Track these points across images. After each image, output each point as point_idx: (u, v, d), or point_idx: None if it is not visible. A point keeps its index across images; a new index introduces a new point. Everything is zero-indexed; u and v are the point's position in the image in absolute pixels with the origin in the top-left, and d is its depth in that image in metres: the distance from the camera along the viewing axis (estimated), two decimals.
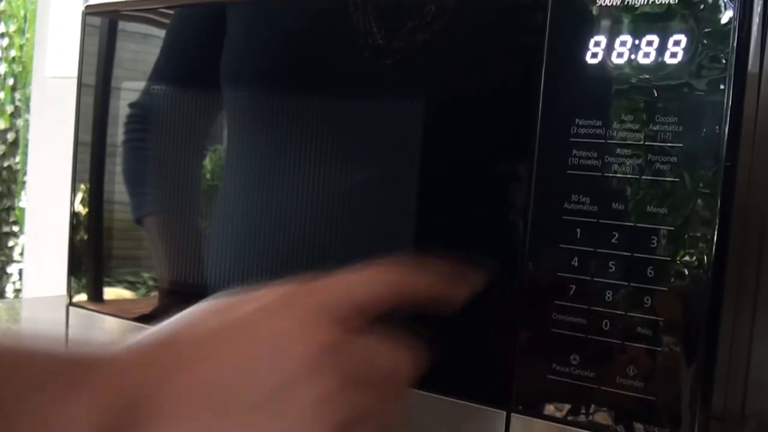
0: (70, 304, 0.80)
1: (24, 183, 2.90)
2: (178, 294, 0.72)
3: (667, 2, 0.47)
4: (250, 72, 0.69)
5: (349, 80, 0.62)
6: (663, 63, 0.47)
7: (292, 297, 0.41)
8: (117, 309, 0.77)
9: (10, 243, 3.10)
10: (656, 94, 0.47)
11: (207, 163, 0.72)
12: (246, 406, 0.38)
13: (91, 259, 0.80)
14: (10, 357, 0.37)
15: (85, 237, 0.80)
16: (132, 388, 0.37)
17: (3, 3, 2.82)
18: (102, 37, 0.79)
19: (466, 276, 0.46)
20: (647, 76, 0.47)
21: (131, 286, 0.78)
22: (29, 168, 1.50)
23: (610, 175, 0.48)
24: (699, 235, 0.45)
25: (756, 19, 0.46)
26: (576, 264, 0.49)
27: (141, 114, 0.76)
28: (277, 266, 0.65)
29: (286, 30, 0.67)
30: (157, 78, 0.74)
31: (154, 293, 0.75)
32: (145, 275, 0.77)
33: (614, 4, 0.48)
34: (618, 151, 0.48)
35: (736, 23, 0.45)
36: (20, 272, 2.89)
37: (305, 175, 0.63)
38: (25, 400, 0.35)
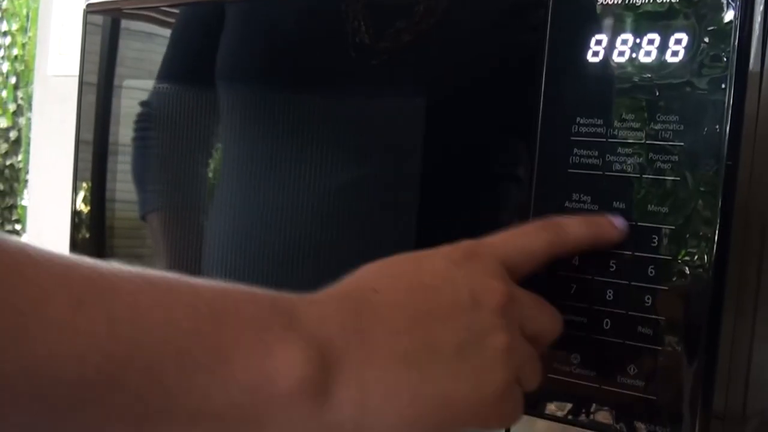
0: None
1: (26, 181, 2.91)
2: None
3: (668, 1, 0.47)
4: (245, 70, 0.69)
5: (347, 78, 0.62)
6: (664, 62, 0.46)
7: (472, 253, 0.43)
8: None
9: None
10: (657, 93, 0.47)
11: (211, 160, 0.72)
12: (441, 356, 0.38)
13: (94, 258, 0.80)
14: (224, 299, 0.36)
15: (87, 236, 0.80)
16: (330, 340, 0.37)
17: (6, 2, 2.82)
18: (103, 36, 0.80)
19: (609, 221, 0.47)
20: (648, 75, 0.47)
21: None
22: (31, 166, 1.50)
23: (611, 173, 0.48)
24: (700, 234, 0.45)
25: (757, 18, 0.46)
26: (577, 263, 0.49)
27: (149, 112, 0.77)
28: (276, 262, 0.65)
29: (280, 28, 0.67)
30: (162, 76, 0.74)
31: None
32: None
33: (615, 2, 0.48)
34: (619, 149, 0.47)
35: (738, 22, 0.45)
36: None
37: (302, 172, 0.63)
38: (239, 346, 0.35)
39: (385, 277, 0.41)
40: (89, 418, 0.32)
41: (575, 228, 0.46)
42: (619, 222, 0.47)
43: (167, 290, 0.35)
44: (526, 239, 0.45)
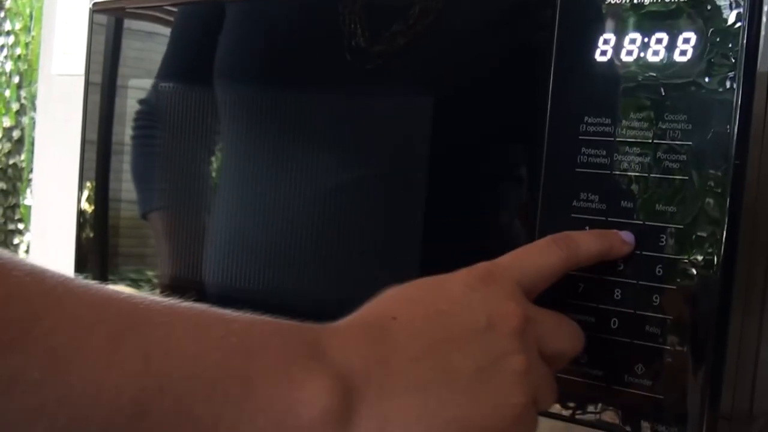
0: None
1: (29, 181, 2.91)
2: (181, 290, 0.72)
3: (676, 0, 0.47)
4: (244, 70, 0.69)
5: (349, 78, 0.62)
6: (672, 61, 0.46)
7: (487, 276, 0.43)
8: None
9: (16, 240, 3.10)
10: (665, 92, 0.47)
11: (212, 159, 0.72)
12: (459, 381, 0.39)
13: (96, 257, 0.80)
14: (252, 331, 0.37)
15: (91, 235, 0.80)
16: (351, 371, 0.37)
17: (9, 1, 2.82)
18: (108, 35, 0.80)
19: (619, 236, 0.47)
20: (656, 74, 0.47)
21: (136, 283, 0.78)
22: (35, 166, 1.50)
23: (619, 172, 0.48)
24: (708, 233, 0.45)
25: (765, 18, 0.45)
26: None
27: (149, 110, 0.77)
28: (278, 262, 0.65)
29: (279, 28, 0.67)
30: (163, 75, 0.75)
31: (159, 290, 0.75)
32: (150, 273, 0.77)
33: (623, 1, 0.48)
34: (627, 149, 0.47)
35: (746, 22, 0.45)
36: None
37: (302, 172, 0.63)
38: (266, 378, 0.36)
39: (403, 303, 0.42)
40: None
41: (587, 243, 0.47)
42: (628, 237, 0.47)
43: (198, 323, 0.37)
44: (540, 257, 0.46)
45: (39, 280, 0.33)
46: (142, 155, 0.78)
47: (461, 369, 0.39)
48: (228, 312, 0.38)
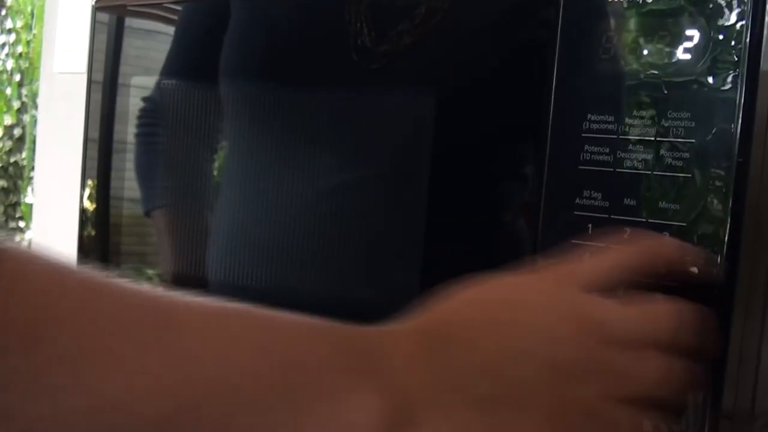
0: None
1: (30, 179, 2.91)
2: (183, 287, 0.72)
3: None
4: (247, 68, 0.69)
5: (351, 77, 0.62)
6: (675, 59, 0.46)
7: (559, 282, 0.39)
8: None
9: (17, 238, 3.10)
10: (668, 90, 0.47)
11: (216, 157, 0.72)
12: (517, 399, 0.35)
13: (98, 255, 0.80)
14: (297, 338, 0.34)
15: (93, 233, 0.80)
16: (405, 387, 0.35)
17: None
18: (111, 34, 0.80)
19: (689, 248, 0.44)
20: (659, 72, 0.47)
21: (140, 281, 0.78)
22: (37, 164, 1.50)
23: (622, 170, 0.48)
24: (711, 231, 0.45)
25: None
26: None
27: (152, 108, 0.77)
28: (281, 260, 0.65)
29: (282, 26, 0.67)
30: (167, 73, 0.75)
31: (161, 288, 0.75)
32: (152, 271, 0.77)
33: (626, 0, 0.48)
34: (630, 146, 0.47)
35: (749, 20, 0.45)
36: None
37: (304, 171, 0.63)
38: (311, 393, 0.33)
39: (463, 309, 0.39)
40: None
41: (665, 244, 0.43)
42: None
43: (238, 328, 0.33)
44: (611, 256, 0.42)
45: (59, 277, 0.31)
46: (145, 153, 0.78)
47: (521, 386, 0.35)
48: (272, 313, 0.35)
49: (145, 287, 0.33)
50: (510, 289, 0.40)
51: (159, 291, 0.33)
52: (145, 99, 0.77)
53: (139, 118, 0.77)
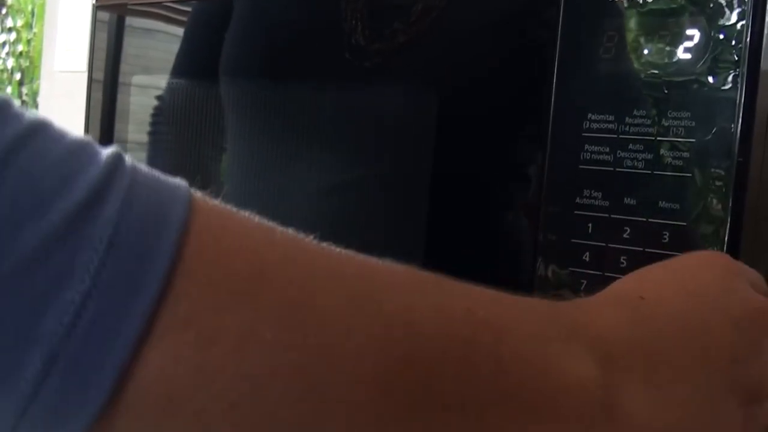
0: None
1: None
2: None
3: None
4: (246, 67, 0.69)
5: (353, 75, 0.62)
6: (675, 59, 0.47)
7: (737, 273, 0.40)
8: None
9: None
10: (668, 90, 0.47)
11: (222, 156, 0.72)
12: (716, 368, 0.36)
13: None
14: (500, 305, 0.34)
15: None
16: (611, 356, 0.34)
17: None
18: (111, 33, 0.80)
19: None
20: (659, 72, 0.47)
21: None
22: None
23: (622, 169, 0.48)
24: (711, 231, 0.45)
25: None
26: (587, 259, 0.49)
27: (162, 108, 0.77)
28: None
29: (281, 23, 0.67)
30: (175, 72, 0.75)
31: None
32: None
33: None
34: (630, 146, 0.47)
35: (750, 19, 0.45)
36: None
37: (303, 170, 0.63)
38: (519, 360, 0.32)
39: (649, 284, 0.39)
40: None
41: None
42: None
43: (439, 292, 0.33)
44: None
45: (267, 232, 0.30)
46: (156, 153, 0.78)
47: (718, 356, 0.36)
48: (460, 282, 0.34)
49: (346, 252, 0.32)
50: (685, 268, 0.40)
51: (360, 256, 0.32)
52: (157, 98, 0.77)
53: (152, 116, 0.77)
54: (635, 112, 0.47)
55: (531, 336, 0.33)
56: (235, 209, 0.30)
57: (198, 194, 0.29)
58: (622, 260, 0.48)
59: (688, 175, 0.46)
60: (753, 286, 0.40)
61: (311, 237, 0.32)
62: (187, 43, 0.75)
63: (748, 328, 0.37)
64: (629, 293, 0.38)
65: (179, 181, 0.29)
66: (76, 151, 0.27)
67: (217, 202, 0.30)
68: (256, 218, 0.30)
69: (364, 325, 0.29)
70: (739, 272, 0.40)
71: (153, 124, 0.77)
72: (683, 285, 0.39)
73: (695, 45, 0.46)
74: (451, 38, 0.57)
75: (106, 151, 0.27)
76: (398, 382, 0.29)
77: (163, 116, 0.77)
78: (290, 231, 0.31)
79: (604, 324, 0.35)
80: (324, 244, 0.32)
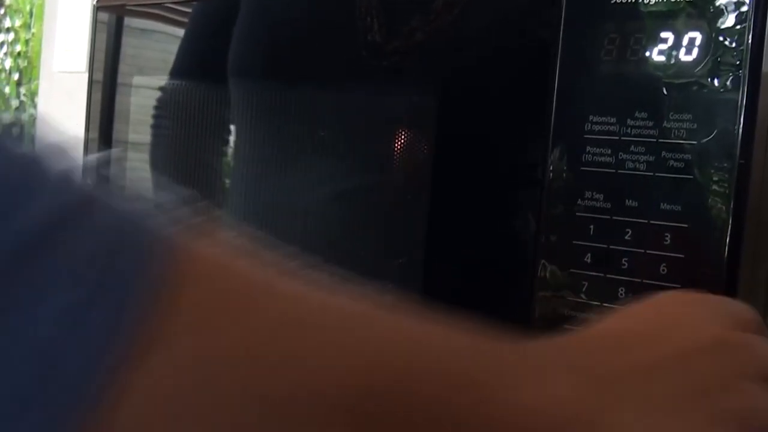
0: None
1: None
2: None
3: (680, 0, 0.47)
4: (253, 66, 0.69)
5: (357, 76, 0.62)
6: (677, 60, 0.47)
7: (717, 307, 0.39)
8: None
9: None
10: (670, 92, 0.47)
11: (224, 158, 0.72)
12: (696, 399, 0.35)
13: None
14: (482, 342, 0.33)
15: None
16: (596, 383, 0.33)
17: None
18: (111, 34, 0.80)
19: None
20: (661, 73, 0.47)
21: None
22: None
23: (624, 171, 0.48)
24: (712, 233, 0.45)
25: None
26: (589, 261, 0.49)
27: (164, 107, 0.77)
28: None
29: (290, 21, 0.67)
30: (176, 72, 0.75)
31: None
32: None
33: (628, 1, 0.48)
34: (632, 147, 0.48)
35: (751, 22, 0.45)
36: None
37: (309, 168, 0.63)
38: (505, 383, 0.32)
39: (627, 319, 0.39)
40: None
41: None
42: None
43: (421, 333, 0.32)
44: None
45: (247, 263, 0.30)
46: (158, 153, 0.78)
47: (708, 387, 0.35)
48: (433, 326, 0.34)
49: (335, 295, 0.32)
50: (672, 303, 0.40)
51: (347, 298, 0.32)
52: (158, 99, 0.77)
53: (153, 117, 0.77)
54: (637, 114, 0.47)
55: (511, 365, 0.33)
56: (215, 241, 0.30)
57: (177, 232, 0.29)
58: (623, 262, 0.48)
59: (690, 177, 0.46)
60: (737, 322, 0.39)
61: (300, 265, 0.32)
62: (189, 42, 0.75)
63: (727, 358, 0.36)
64: (608, 330, 0.38)
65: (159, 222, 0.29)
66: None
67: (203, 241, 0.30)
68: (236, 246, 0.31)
69: (357, 348, 0.29)
70: (720, 307, 0.39)
71: (155, 126, 0.77)
72: (665, 318, 0.38)
73: (696, 47, 0.46)
74: (460, 38, 0.57)
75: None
76: (381, 391, 0.29)
77: (164, 116, 0.77)
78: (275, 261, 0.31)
79: (583, 354, 0.35)
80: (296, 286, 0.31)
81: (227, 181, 0.71)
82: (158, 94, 0.77)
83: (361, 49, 0.60)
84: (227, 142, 0.72)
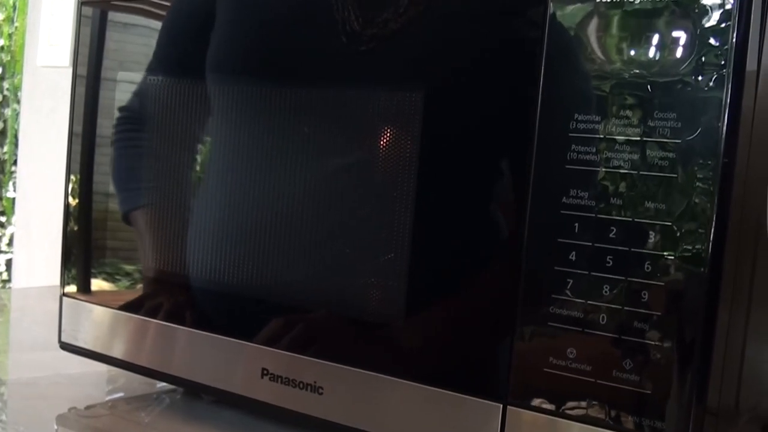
0: (64, 294, 0.80)
1: (11, 173, 2.89)
2: (167, 283, 0.72)
3: None
4: (234, 62, 0.69)
5: (338, 70, 0.62)
6: (662, 59, 0.47)
7: None
8: (106, 299, 0.77)
9: None
10: (655, 90, 0.47)
11: (198, 156, 0.72)
12: None
13: (81, 250, 0.79)
14: None
15: (76, 228, 0.80)
16: None
17: None
18: (95, 28, 0.79)
19: None
20: (645, 72, 0.47)
21: (121, 276, 0.78)
22: (20, 158, 1.49)
23: (609, 169, 0.48)
24: (696, 230, 0.45)
25: (754, 17, 0.46)
26: (573, 258, 0.49)
27: (130, 114, 0.76)
28: (263, 255, 0.65)
29: (269, 15, 0.67)
30: (150, 70, 0.74)
31: (142, 283, 0.75)
32: (134, 266, 0.77)
33: (613, 0, 0.48)
34: (616, 146, 0.48)
35: (735, 20, 0.45)
36: (7, 263, 2.87)
37: (285, 165, 0.63)
38: None
39: None
40: None
41: None
42: None
43: None
44: None
45: None
46: (123, 157, 0.77)
47: None
48: None
49: None
50: None
51: None
52: (121, 108, 0.76)
53: (117, 125, 0.77)
54: (621, 113, 0.48)
55: None
56: None
57: None
58: (608, 260, 0.48)
59: (674, 175, 0.46)
60: None
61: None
62: (165, 40, 0.74)
63: None
64: None
65: None
66: None
67: None
68: None
69: None
70: None
71: (119, 132, 0.77)
72: None
73: (681, 45, 0.46)
74: (439, 33, 0.57)
75: None
76: None
77: (131, 119, 0.76)
78: None
79: None
80: None
81: (204, 179, 0.71)
82: (125, 104, 0.76)
83: (340, 36, 0.60)
84: (200, 140, 0.71)
